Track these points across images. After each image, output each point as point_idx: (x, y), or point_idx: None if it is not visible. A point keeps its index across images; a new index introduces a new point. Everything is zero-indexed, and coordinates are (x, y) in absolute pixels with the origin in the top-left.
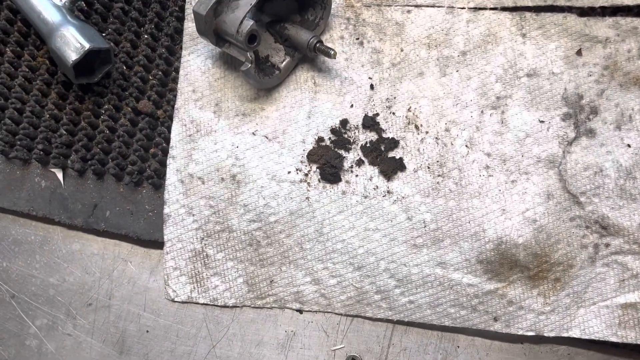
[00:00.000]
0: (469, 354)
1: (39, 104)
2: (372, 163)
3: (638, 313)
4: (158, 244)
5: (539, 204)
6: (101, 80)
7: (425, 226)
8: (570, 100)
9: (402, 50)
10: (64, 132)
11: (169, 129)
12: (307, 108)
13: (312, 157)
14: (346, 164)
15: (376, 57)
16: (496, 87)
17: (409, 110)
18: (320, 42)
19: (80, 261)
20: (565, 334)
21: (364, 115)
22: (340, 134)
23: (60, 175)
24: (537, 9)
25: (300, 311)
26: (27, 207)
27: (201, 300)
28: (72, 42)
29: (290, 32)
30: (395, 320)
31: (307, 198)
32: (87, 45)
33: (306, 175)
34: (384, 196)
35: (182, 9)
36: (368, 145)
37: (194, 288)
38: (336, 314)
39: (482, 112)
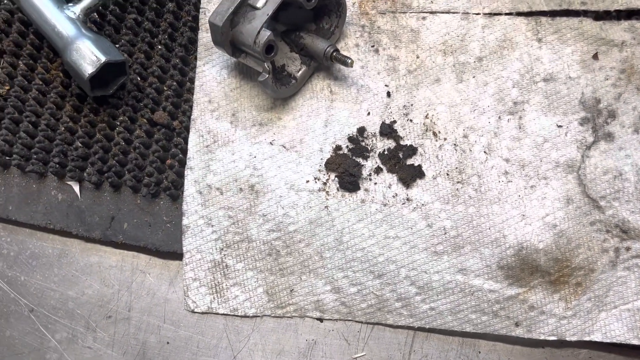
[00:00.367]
0: (490, 359)
1: (54, 117)
2: (390, 171)
3: None
4: (176, 255)
5: (559, 209)
6: (116, 92)
7: (445, 233)
8: (587, 104)
9: (418, 57)
10: (80, 145)
11: (185, 139)
12: (324, 116)
13: (330, 165)
14: (364, 172)
15: (392, 64)
16: (513, 93)
17: (426, 117)
18: (337, 50)
19: (98, 274)
20: (587, 338)
21: (381, 122)
22: (358, 142)
23: (76, 188)
24: (553, 14)
25: (320, 320)
26: (44, 220)
27: (221, 311)
28: (88, 55)
29: (306, 41)
30: (417, 327)
31: (326, 207)
32: (103, 58)
33: (325, 184)
34: (403, 204)
35: (195, 19)
36: (386, 152)
37: (214, 299)
38: (357, 322)
39: (499, 117)
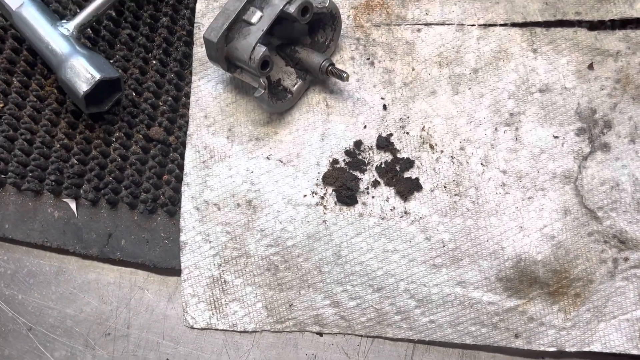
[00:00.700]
0: None
1: (49, 134)
2: (388, 184)
3: None
4: (175, 271)
5: (557, 220)
6: (111, 108)
7: (443, 246)
8: (583, 114)
9: (413, 70)
10: (76, 162)
11: (181, 155)
12: (320, 130)
13: (327, 179)
14: (362, 186)
15: (388, 77)
16: (509, 104)
17: (422, 129)
18: (333, 64)
19: (96, 291)
20: (586, 349)
21: (377, 135)
22: (355, 156)
23: (73, 205)
24: (547, 24)
25: (320, 334)
26: (41, 238)
27: (220, 327)
28: (83, 72)
29: (302, 55)
30: (416, 340)
31: (324, 221)
32: (97, 76)
33: (322, 198)
34: (401, 217)
35: (190, 34)
36: (383, 166)
37: (213, 314)
38: (356, 335)
39: (496, 129)
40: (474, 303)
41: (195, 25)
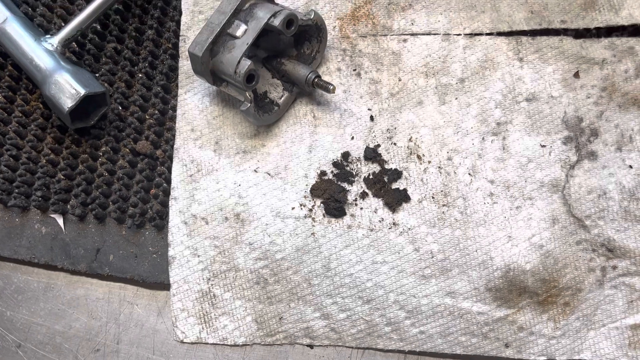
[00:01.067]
0: None
1: (35, 149)
2: (376, 195)
3: None
4: (164, 285)
5: (545, 229)
6: (97, 122)
7: (432, 257)
8: (570, 123)
9: (400, 80)
10: (62, 177)
11: (169, 169)
12: (307, 142)
13: (315, 191)
14: (350, 197)
15: (374, 87)
16: (496, 113)
17: (410, 140)
18: (319, 77)
19: (85, 306)
20: (576, 357)
21: (365, 147)
22: (343, 167)
23: (60, 221)
24: (533, 33)
25: (311, 346)
26: (29, 254)
27: (210, 340)
28: (67, 88)
29: (288, 68)
30: (407, 351)
31: (313, 234)
32: (82, 92)
33: (310, 210)
34: (389, 228)
35: (175, 47)
36: (371, 177)
37: (203, 328)
38: (347, 347)
39: (483, 139)
40: (464, 313)
41: (180, 38)
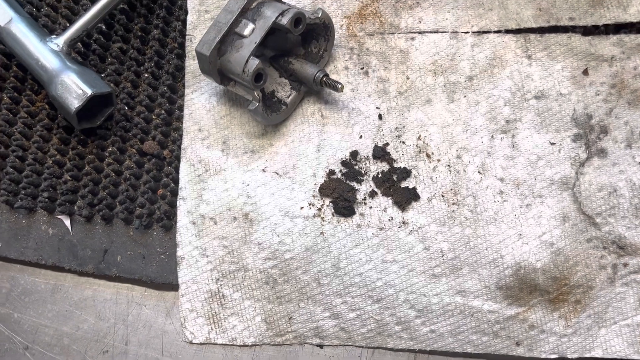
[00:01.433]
0: None
1: (41, 150)
2: (385, 194)
3: None
4: (172, 286)
5: (555, 227)
6: (104, 123)
7: (442, 255)
8: (579, 120)
9: (408, 78)
10: (69, 178)
11: (176, 169)
12: (316, 141)
13: (324, 191)
14: (359, 196)
15: (382, 86)
16: (505, 111)
17: (418, 138)
18: (327, 75)
19: (93, 308)
20: (587, 355)
21: (373, 145)
22: (351, 166)
23: (67, 222)
24: (541, 30)
25: (320, 346)
26: (36, 256)
27: (220, 341)
28: (74, 88)
29: (295, 67)
30: (417, 350)
31: (322, 233)
32: (89, 92)
33: (319, 209)
34: (399, 227)
35: (182, 46)
36: (380, 176)
37: (212, 329)
38: (357, 346)
39: (492, 136)
40: (475, 312)
41: (186, 37)
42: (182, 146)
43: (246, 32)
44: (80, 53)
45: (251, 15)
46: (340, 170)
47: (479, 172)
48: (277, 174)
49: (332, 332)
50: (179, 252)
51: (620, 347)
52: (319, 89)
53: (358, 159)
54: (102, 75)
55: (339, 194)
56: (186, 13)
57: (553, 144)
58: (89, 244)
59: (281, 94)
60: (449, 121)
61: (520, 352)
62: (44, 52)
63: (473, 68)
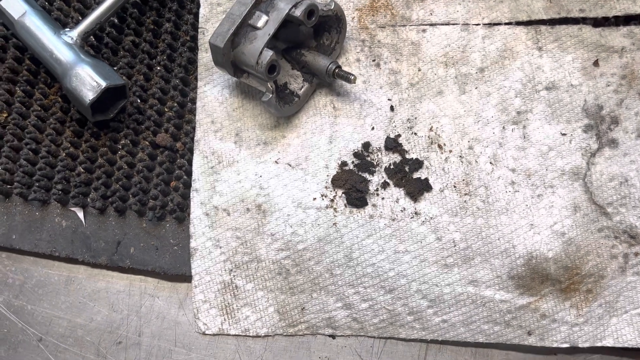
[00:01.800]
0: None
1: (54, 143)
2: (397, 185)
3: None
4: (185, 277)
5: (567, 217)
6: (116, 115)
7: (455, 245)
8: (590, 111)
9: (419, 70)
10: (82, 170)
11: (189, 161)
12: (328, 133)
13: (336, 182)
14: (371, 187)
15: (394, 78)
16: (516, 102)
17: (430, 129)
18: (339, 67)
19: (106, 299)
20: (599, 344)
21: (385, 137)
22: (364, 157)
23: (80, 214)
24: (552, 22)
25: (333, 336)
26: (49, 248)
27: (232, 332)
28: (88, 80)
29: (308, 59)
30: (429, 340)
31: (335, 224)
32: (103, 84)
33: (332, 200)
34: (411, 218)
35: (194, 39)
36: (392, 167)
37: (225, 320)
38: (369, 337)
39: (503, 127)
40: (487, 302)
41: (199, 30)
42: (195, 138)
43: (260, 24)
44: (93, 46)
45: (264, 7)
46: (353, 162)
47: (490, 162)
48: (290, 165)
49: (344, 323)
50: (192, 244)
51: (631, 336)
52: (331, 81)
53: (370, 151)
54: (115, 68)
55: (352, 185)
56: (198, 6)
57: (564, 134)
58: (102, 235)
59: (294, 86)
60: (461, 112)
61: (532, 341)
62: (58, 45)
63: (484, 60)
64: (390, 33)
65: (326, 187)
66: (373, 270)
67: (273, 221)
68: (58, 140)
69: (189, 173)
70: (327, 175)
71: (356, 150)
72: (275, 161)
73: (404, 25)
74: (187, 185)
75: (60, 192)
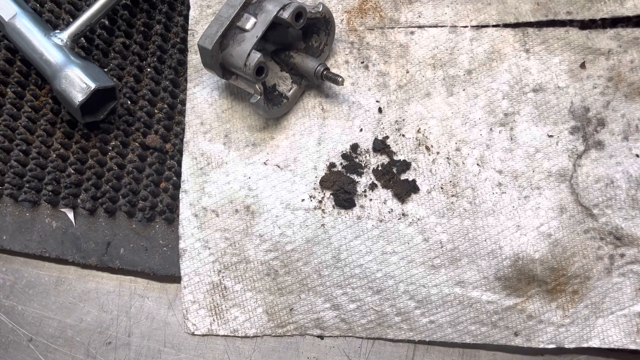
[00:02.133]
0: None
1: (44, 144)
2: (385, 186)
3: None
4: (175, 278)
5: (553, 218)
6: (107, 116)
7: (442, 247)
8: (577, 113)
9: (407, 72)
10: (73, 172)
11: (178, 162)
12: (316, 134)
13: (324, 183)
14: (359, 189)
15: (382, 80)
16: (503, 104)
17: (418, 131)
18: (327, 69)
19: (96, 300)
20: (585, 345)
21: (374, 138)
22: (352, 159)
23: (71, 215)
24: (539, 24)
25: (321, 337)
26: (39, 249)
27: (221, 332)
28: (77, 82)
29: (296, 61)
30: (417, 341)
31: (323, 225)
32: (92, 85)
33: (320, 202)
34: (399, 219)
35: (184, 41)
36: (380, 168)
37: (214, 320)
38: (357, 337)
39: (491, 129)
40: (473, 302)
41: (189, 32)
42: (184, 140)
43: (248, 26)
44: (84, 48)
45: (253, 9)
46: (341, 163)
47: (477, 164)
48: (279, 166)
49: (332, 323)
50: (182, 245)
51: (617, 337)
52: (320, 83)
53: (358, 152)
54: (105, 70)
55: (340, 186)
56: (188, 8)
57: (551, 136)
58: (92, 236)
59: (282, 87)
60: (448, 114)
61: (519, 342)
62: (48, 46)
63: (472, 62)
64: (379, 35)
65: (314, 189)
66: (361, 271)
67: (261, 222)
68: (48, 141)
69: (179, 174)
70: (316, 177)
71: (344, 152)
72: (264, 162)
73: (392, 28)
74: (177, 187)
75: (50, 193)
